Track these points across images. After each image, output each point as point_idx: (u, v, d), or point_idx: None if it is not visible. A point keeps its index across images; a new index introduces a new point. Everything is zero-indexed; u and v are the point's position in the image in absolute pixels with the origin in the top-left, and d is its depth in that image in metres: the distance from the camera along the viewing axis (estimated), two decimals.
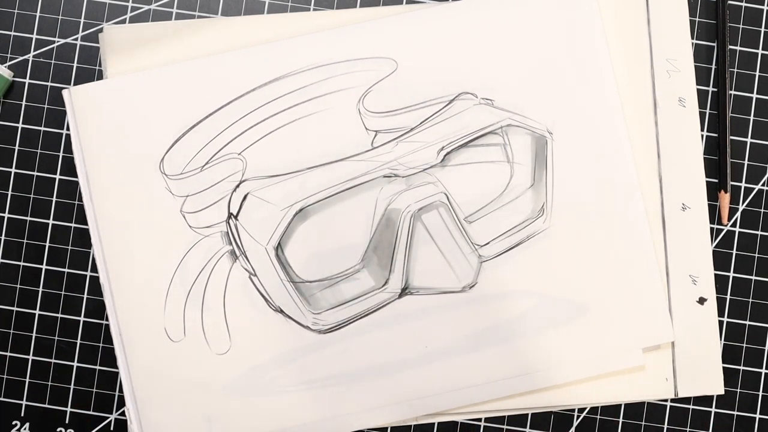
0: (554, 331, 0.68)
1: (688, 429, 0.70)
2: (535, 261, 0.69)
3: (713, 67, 0.71)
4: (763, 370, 0.71)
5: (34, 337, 0.71)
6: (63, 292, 0.70)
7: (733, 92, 0.71)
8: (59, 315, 0.70)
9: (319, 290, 0.68)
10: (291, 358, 0.68)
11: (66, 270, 0.70)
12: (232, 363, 0.68)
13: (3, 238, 0.71)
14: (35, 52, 0.71)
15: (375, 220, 0.68)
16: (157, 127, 0.68)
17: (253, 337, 0.68)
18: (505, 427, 0.70)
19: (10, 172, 0.70)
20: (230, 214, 0.68)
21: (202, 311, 0.68)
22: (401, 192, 0.68)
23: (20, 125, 0.70)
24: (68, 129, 0.70)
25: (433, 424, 0.70)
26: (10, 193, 0.70)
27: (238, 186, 0.68)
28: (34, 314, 0.71)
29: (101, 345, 0.70)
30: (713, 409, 0.70)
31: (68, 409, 0.70)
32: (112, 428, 0.70)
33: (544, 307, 0.68)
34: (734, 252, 0.71)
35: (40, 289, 0.71)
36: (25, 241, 0.70)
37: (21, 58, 0.71)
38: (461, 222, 0.68)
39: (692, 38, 0.71)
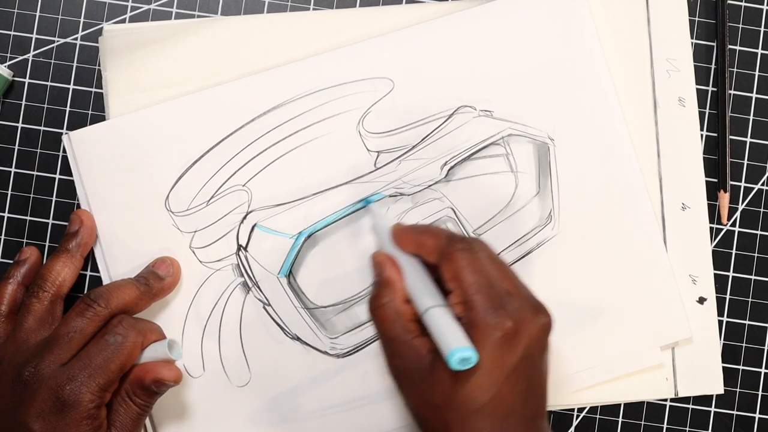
0: (572, 336, 0.68)
1: (687, 429, 0.70)
2: (547, 268, 0.69)
3: (713, 66, 0.72)
4: (763, 370, 0.71)
5: None
6: None
7: (732, 92, 0.72)
8: None
9: (334, 314, 0.68)
10: (311, 384, 0.68)
11: None
12: (253, 394, 0.68)
13: (3, 238, 0.70)
14: (35, 52, 0.70)
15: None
16: (158, 166, 0.68)
17: (272, 367, 0.68)
18: None
19: (10, 172, 0.70)
20: (239, 246, 0.68)
21: (220, 345, 0.68)
22: (408, 210, 0.68)
23: (20, 125, 0.70)
24: (68, 129, 0.70)
25: None
26: (10, 192, 0.70)
27: (245, 217, 0.68)
28: None
29: None
30: (713, 409, 0.71)
31: None
32: None
33: (559, 314, 0.68)
34: (734, 251, 0.71)
35: None
36: (25, 240, 0.70)
37: (21, 58, 0.70)
38: (470, 235, 0.68)
39: (692, 38, 0.71)
